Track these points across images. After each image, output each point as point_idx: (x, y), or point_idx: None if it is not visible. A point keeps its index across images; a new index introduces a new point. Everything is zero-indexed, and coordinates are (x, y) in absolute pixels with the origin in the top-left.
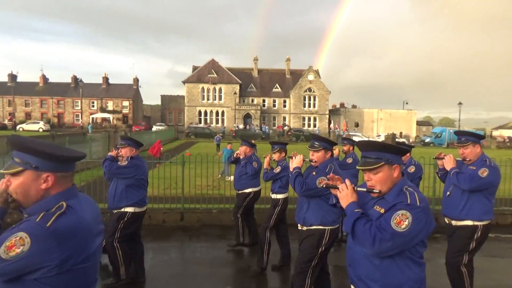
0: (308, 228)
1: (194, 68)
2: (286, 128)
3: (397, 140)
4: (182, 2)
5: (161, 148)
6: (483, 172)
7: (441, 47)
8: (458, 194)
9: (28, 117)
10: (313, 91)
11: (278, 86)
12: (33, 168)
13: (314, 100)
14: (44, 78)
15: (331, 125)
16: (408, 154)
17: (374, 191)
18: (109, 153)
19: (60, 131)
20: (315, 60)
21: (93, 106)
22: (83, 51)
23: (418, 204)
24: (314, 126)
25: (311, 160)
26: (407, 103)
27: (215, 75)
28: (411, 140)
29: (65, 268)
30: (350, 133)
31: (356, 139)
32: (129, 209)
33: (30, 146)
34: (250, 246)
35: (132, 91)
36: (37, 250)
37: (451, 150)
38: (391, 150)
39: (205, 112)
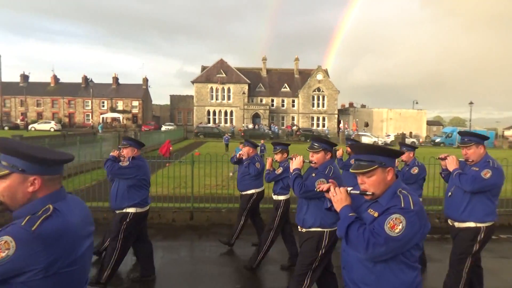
0: (307, 230)
1: (203, 68)
2: (294, 128)
3: (406, 139)
4: (191, 2)
5: (171, 148)
6: (486, 174)
7: (452, 46)
8: (459, 195)
9: (39, 117)
10: (322, 91)
11: (286, 86)
12: (19, 171)
13: (323, 99)
14: (55, 78)
15: (341, 125)
16: (411, 155)
17: (367, 194)
18: (111, 154)
19: (71, 130)
20: (324, 59)
21: (103, 106)
22: (93, 51)
23: (412, 207)
24: (323, 126)
25: (310, 162)
26: (417, 103)
27: (224, 75)
28: (421, 140)
29: (52, 271)
30: (359, 133)
31: (365, 139)
32: (131, 210)
33: (16, 149)
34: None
35: (141, 91)
36: (22, 254)
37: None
38: (384, 153)
39: (214, 112)
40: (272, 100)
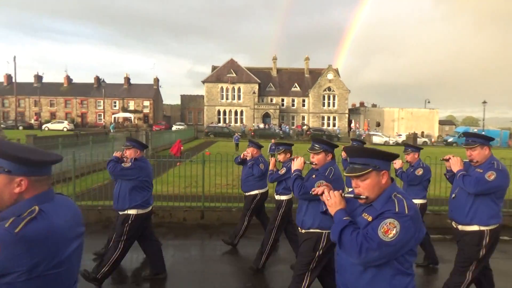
0: (306, 231)
1: (213, 68)
2: (305, 127)
3: (418, 139)
4: (202, 2)
5: (182, 148)
6: (490, 176)
7: (464, 45)
8: (463, 197)
9: (53, 116)
10: (333, 90)
11: (297, 86)
12: (5, 172)
13: (334, 99)
14: (68, 78)
15: (352, 125)
16: (416, 156)
17: (361, 197)
18: (114, 154)
19: (84, 130)
20: (334, 59)
21: (115, 106)
22: (105, 52)
23: (406, 212)
24: (334, 125)
25: (311, 163)
26: (429, 102)
27: (234, 75)
28: (433, 140)
29: (35, 273)
30: (370, 133)
31: (376, 139)
32: (132, 211)
33: (2, 150)
34: None
35: (152, 91)
36: (5, 256)
37: None
38: (379, 156)
39: (224, 112)
40: (282, 100)
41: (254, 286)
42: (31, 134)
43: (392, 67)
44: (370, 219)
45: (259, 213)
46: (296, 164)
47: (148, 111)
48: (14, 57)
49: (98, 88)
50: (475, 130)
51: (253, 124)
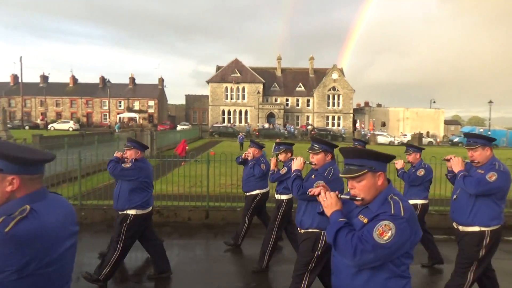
0: (305, 230)
1: (218, 68)
2: (309, 127)
3: (423, 139)
4: (207, 2)
5: (186, 147)
6: (491, 177)
7: (471, 45)
8: (464, 198)
9: (58, 116)
10: (337, 90)
11: (301, 85)
12: None
13: (338, 99)
14: (74, 79)
15: (357, 125)
16: (418, 156)
17: (357, 198)
18: (115, 154)
19: (89, 130)
20: (339, 58)
21: (120, 106)
22: (111, 52)
23: (402, 214)
24: (338, 125)
25: (311, 163)
26: (434, 102)
27: (239, 75)
28: (438, 140)
29: (26, 272)
30: (375, 133)
31: (381, 138)
32: (131, 212)
33: None
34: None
35: (157, 91)
36: None
37: None
38: (375, 157)
39: (229, 112)
40: (287, 100)
41: (259, 286)
42: (37, 134)
43: (397, 67)
44: (365, 221)
45: (260, 213)
46: (296, 164)
47: (153, 111)
48: (21, 58)
49: (104, 88)
50: (481, 130)
51: (257, 124)
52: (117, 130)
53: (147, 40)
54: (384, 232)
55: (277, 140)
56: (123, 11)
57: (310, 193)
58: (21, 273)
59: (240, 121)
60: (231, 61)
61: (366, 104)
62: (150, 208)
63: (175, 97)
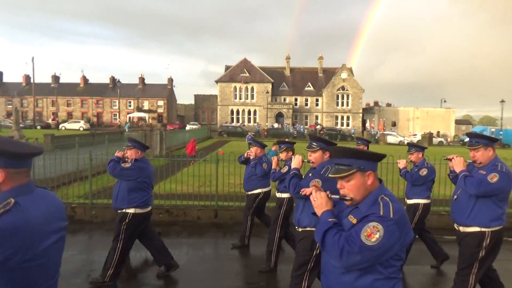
0: (303, 229)
1: (227, 67)
2: (318, 127)
3: (434, 139)
4: (216, 2)
5: (196, 147)
6: (493, 178)
7: (482, 43)
8: (465, 198)
9: (69, 116)
10: (346, 90)
11: (310, 85)
12: None
13: (347, 98)
14: (85, 79)
15: (367, 124)
16: (420, 156)
17: (346, 198)
18: (116, 154)
19: (99, 130)
20: (348, 58)
21: (130, 106)
22: (121, 52)
23: (391, 216)
24: (347, 125)
25: (309, 161)
26: (445, 101)
27: (248, 74)
28: (449, 140)
29: (9, 266)
30: (384, 132)
31: (390, 138)
32: (130, 210)
33: None
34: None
35: (166, 91)
36: None
37: None
38: (364, 157)
39: (238, 111)
40: (296, 99)
41: (268, 285)
42: (49, 133)
43: (407, 66)
44: (354, 221)
45: (260, 213)
46: (294, 163)
47: (162, 110)
48: (33, 58)
49: (114, 88)
50: (493, 130)
51: (266, 124)
52: (127, 130)
53: (156, 40)
54: (372, 233)
55: (286, 140)
56: (133, 12)
57: (302, 193)
58: (4, 266)
59: (249, 121)
60: (240, 60)
61: (376, 103)
62: (150, 208)
63: (184, 97)
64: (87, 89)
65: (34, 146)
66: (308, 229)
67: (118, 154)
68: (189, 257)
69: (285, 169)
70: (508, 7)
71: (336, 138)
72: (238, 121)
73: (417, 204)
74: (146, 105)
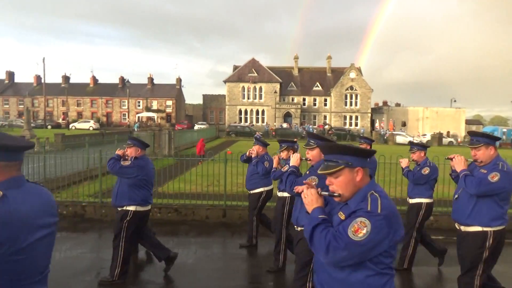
0: (302, 228)
1: (235, 67)
2: (327, 127)
3: (443, 139)
4: (223, 2)
5: (204, 146)
6: (494, 177)
7: (493, 42)
8: (465, 198)
9: (79, 116)
10: (355, 89)
11: (318, 85)
12: None
13: (356, 98)
14: (94, 79)
15: (377, 124)
16: (422, 155)
17: (334, 195)
18: (116, 152)
19: (109, 129)
20: (357, 57)
21: (139, 106)
22: (130, 53)
23: (378, 211)
24: (356, 125)
25: (307, 159)
26: (455, 101)
27: (256, 74)
28: (459, 140)
29: None
30: (393, 132)
31: (399, 138)
32: (131, 208)
33: None
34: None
35: (175, 91)
36: None
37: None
38: (351, 153)
39: (246, 111)
40: (304, 99)
41: (276, 285)
42: (59, 133)
43: (417, 65)
44: (343, 217)
45: (259, 212)
46: (292, 161)
47: (170, 110)
48: (43, 59)
49: (123, 88)
50: (504, 130)
51: (274, 124)
52: (136, 130)
53: (165, 40)
54: (359, 229)
55: (295, 140)
56: (141, 13)
57: (295, 191)
58: None
59: (257, 121)
60: (248, 60)
61: (385, 103)
62: (149, 206)
63: (193, 96)
64: (97, 89)
65: (25, 140)
66: None
67: (119, 152)
68: (198, 256)
69: (286, 168)
70: None
71: (345, 138)
72: (246, 121)
73: (420, 204)
74: (155, 105)
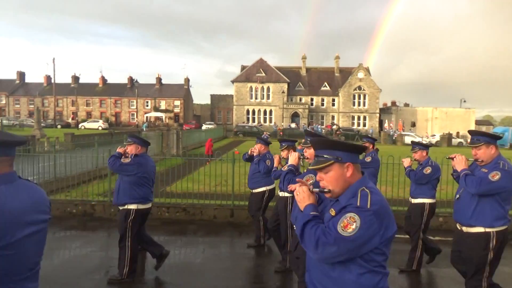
0: None
1: (243, 67)
2: (334, 127)
3: (453, 139)
4: (231, 2)
5: (212, 146)
6: (494, 176)
7: (503, 42)
8: (467, 198)
9: (89, 116)
10: (363, 89)
11: (326, 85)
12: None
13: (364, 98)
14: (103, 79)
15: (386, 125)
16: (424, 154)
17: (325, 191)
18: (117, 150)
19: (117, 129)
20: (365, 57)
21: (147, 106)
22: (138, 53)
23: (368, 206)
24: (364, 125)
25: (305, 157)
26: (464, 101)
27: (263, 74)
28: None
29: None
30: (402, 133)
31: (408, 139)
32: (133, 206)
33: None
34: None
35: (183, 91)
36: None
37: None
38: (341, 148)
39: (253, 111)
40: (312, 99)
41: (283, 285)
42: (69, 132)
43: (426, 65)
44: (334, 213)
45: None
46: (291, 160)
47: (178, 110)
48: (53, 59)
49: (132, 88)
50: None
51: (282, 124)
52: (144, 129)
53: (173, 40)
54: (349, 224)
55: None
56: (150, 13)
57: (289, 189)
58: None
59: (265, 121)
60: (256, 60)
61: (393, 103)
62: (150, 204)
63: (201, 96)
64: (106, 89)
65: (16, 135)
66: None
67: (120, 150)
68: (206, 255)
69: (286, 167)
70: None
71: (353, 138)
72: (253, 121)
73: (423, 204)
74: (163, 105)
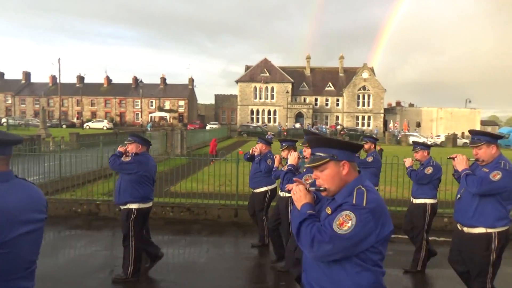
0: None
1: (247, 67)
2: (339, 127)
3: (458, 140)
4: (236, 2)
5: (216, 146)
6: (495, 176)
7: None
8: (468, 198)
9: (93, 115)
10: (368, 89)
11: (331, 85)
12: None
13: (369, 98)
14: (108, 79)
15: (390, 125)
16: (426, 154)
17: (321, 189)
18: (118, 149)
19: (122, 129)
20: (370, 57)
21: (151, 106)
22: (143, 53)
23: (364, 204)
24: (368, 125)
25: (304, 157)
26: (470, 102)
27: (268, 74)
28: None
29: None
30: (406, 133)
31: (413, 139)
32: (134, 206)
33: None
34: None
35: (187, 91)
36: None
37: None
38: (337, 146)
39: (257, 111)
40: (316, 99)
41: (287, 285)
42: (74, 132)
43: (431, 65)
44: (329, 212)
45: (254, 214)
46: (290, 160)
47: (183, 110)
48: (59, 59)
49: (136, 88)
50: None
51: (286, 124)
52: (149, 129)
53: (177, 40)
54: (344, 222)
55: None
56: (154, 13)
57: (286, 188)
58: None
59: (269, 121)
60: (260, 60)
61: (398, 103)
62: (151, 203)
63: (205, 96)
64: (111, 89)
65: (12, 134)
66: None
67: (121, 149)
68: (210, 255)
69: (286, 167)
70: None
71: (358, 138)
72: (258, 121)
73: (425, 205)
74: (167, 105)
